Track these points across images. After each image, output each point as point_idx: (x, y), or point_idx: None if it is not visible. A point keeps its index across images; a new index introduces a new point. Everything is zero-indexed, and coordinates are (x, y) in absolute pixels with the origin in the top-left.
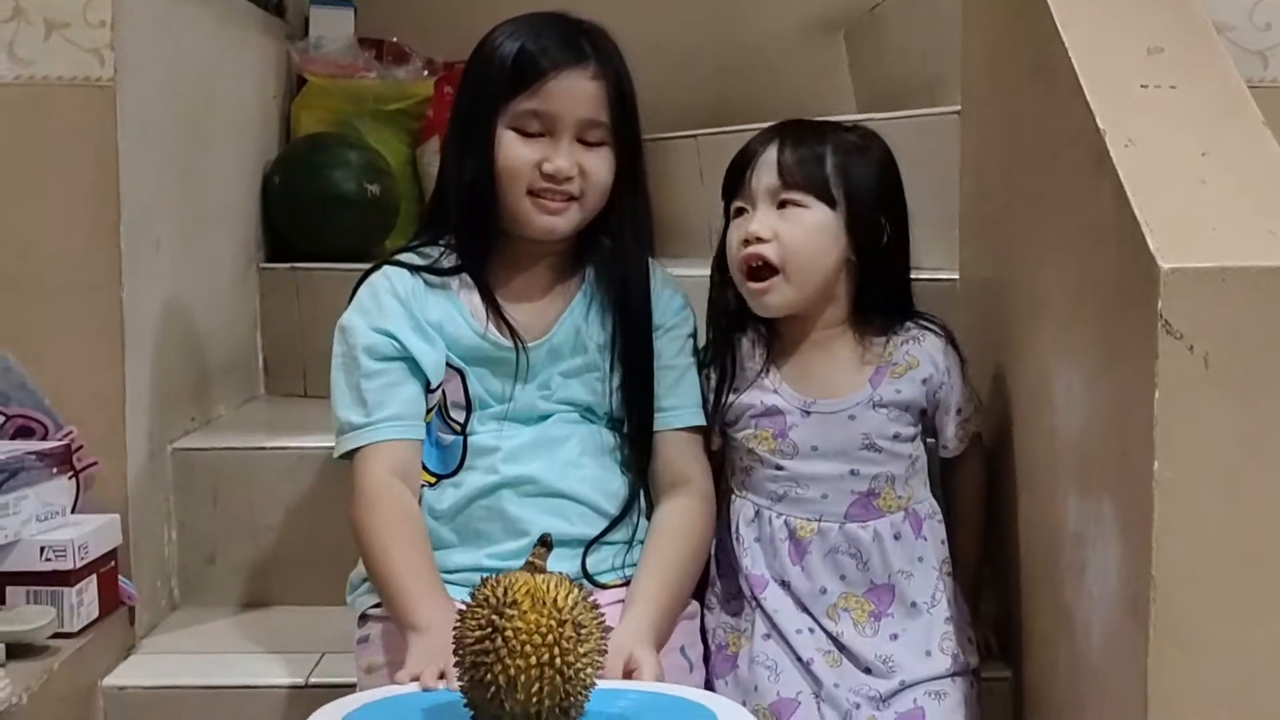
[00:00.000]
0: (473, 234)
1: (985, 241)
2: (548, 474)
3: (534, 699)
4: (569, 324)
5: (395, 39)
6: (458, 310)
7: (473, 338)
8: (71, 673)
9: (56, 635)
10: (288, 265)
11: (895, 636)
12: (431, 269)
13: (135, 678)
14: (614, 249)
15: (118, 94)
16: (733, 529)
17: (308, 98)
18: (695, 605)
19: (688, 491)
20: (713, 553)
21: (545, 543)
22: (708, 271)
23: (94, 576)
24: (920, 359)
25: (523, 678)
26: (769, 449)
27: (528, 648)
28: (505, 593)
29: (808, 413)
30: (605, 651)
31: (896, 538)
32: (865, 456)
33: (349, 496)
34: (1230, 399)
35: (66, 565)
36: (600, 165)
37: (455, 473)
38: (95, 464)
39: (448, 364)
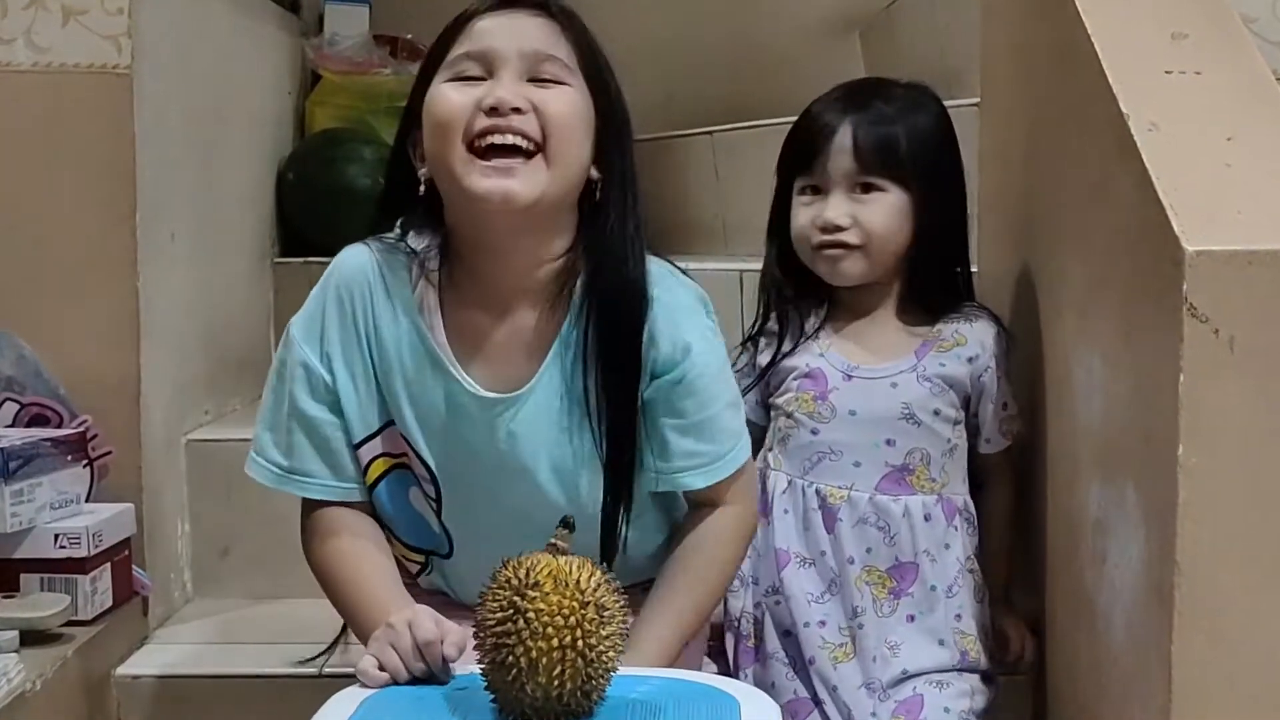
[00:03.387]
0: (425, 229)
1: (1005, 232)
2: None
3: (555, 681)
4: (552, 372)
5: (409, 36)
6: (417, 337)
7: (433, 390)
8: (85, 661)
9: (70, 623)
10: (302, 259)
11: (911, 619)
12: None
13: (149, 667)
14: (601, 268)
15: (134, 82)
16: (768, 503)
17: (322, 94)
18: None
19: (716, 512)
20: None
21: (567, 524)
22: (721, 266)
23: (108, 565)
24: (969, 338)
25: (544, 660)
26: (807, 411)
27: (550, 629)
28: (527, 574)
29: (850, 377)
30: (627, 635)
31: (927, 519)
32: (902, 428)
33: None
34: (1255, 383)
35: (81, 553)
36: (561, 103)
37: (449, 555)
38: (110, 453)
39: (401, 435)
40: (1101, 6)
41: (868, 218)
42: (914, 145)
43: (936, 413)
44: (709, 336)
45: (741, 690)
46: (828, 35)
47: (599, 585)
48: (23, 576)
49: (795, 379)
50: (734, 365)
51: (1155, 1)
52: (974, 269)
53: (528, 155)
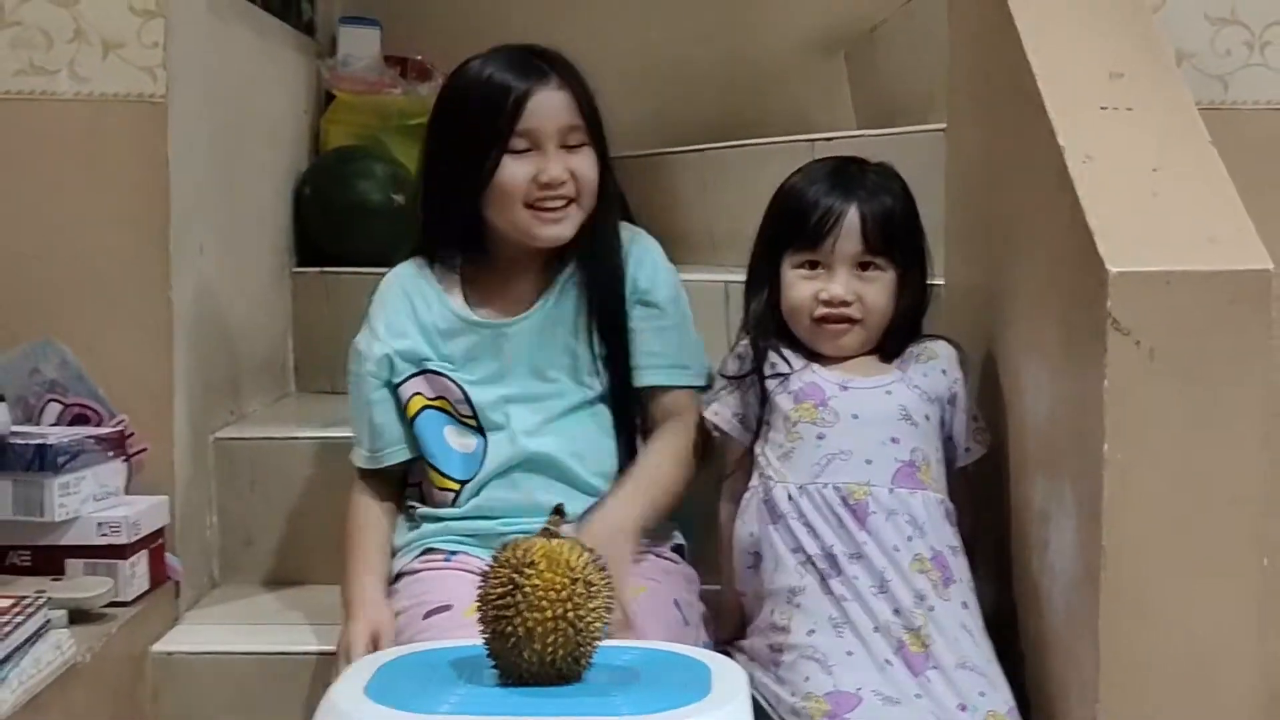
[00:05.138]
0: (470, 244)
1: (968, 250)
2: (556, 452)
3: (549, 648)
4: (553, 299)
5: (419, 56)
6: (438, 298)
7: (453, 319)
8: (126, 638)
9: (112, 604)
10: (318, 269)
11: (965, 605)
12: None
13: (182, 644)
14: (589, 228)
15: (169, 109)
16: (776, 512)
17: (336, 112)
18: (693, 572)
19: (674, 421)
20: (746, 548)
21: (559, 511)
22: (709, 277)
23: (145, 552)
24: (938, 354)
25: (539, 629)
26: (811, 419)
27: (544, 603)
28: (524, 554)
29: (845, 388)
30: (612, 608)
31: (945, 515)
32: (903, 428)
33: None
34: (1173, 388)
35: (121, 540)
36: (586, 164)
37: (475, 477)
38: (145, 450)
39: (436, 372)
40: (1047, 45)
41: (870, 297)
42: (904, 225)
43: (927, 418)
44: (673, 275)
45: (712, 658)
46: (813, 56)
47: (587, 564)
48: (68, 561)
49: (786, 395)
50: (721, 370)
51: (1097, 43)
52: (940, 282)
53: (567, 203)
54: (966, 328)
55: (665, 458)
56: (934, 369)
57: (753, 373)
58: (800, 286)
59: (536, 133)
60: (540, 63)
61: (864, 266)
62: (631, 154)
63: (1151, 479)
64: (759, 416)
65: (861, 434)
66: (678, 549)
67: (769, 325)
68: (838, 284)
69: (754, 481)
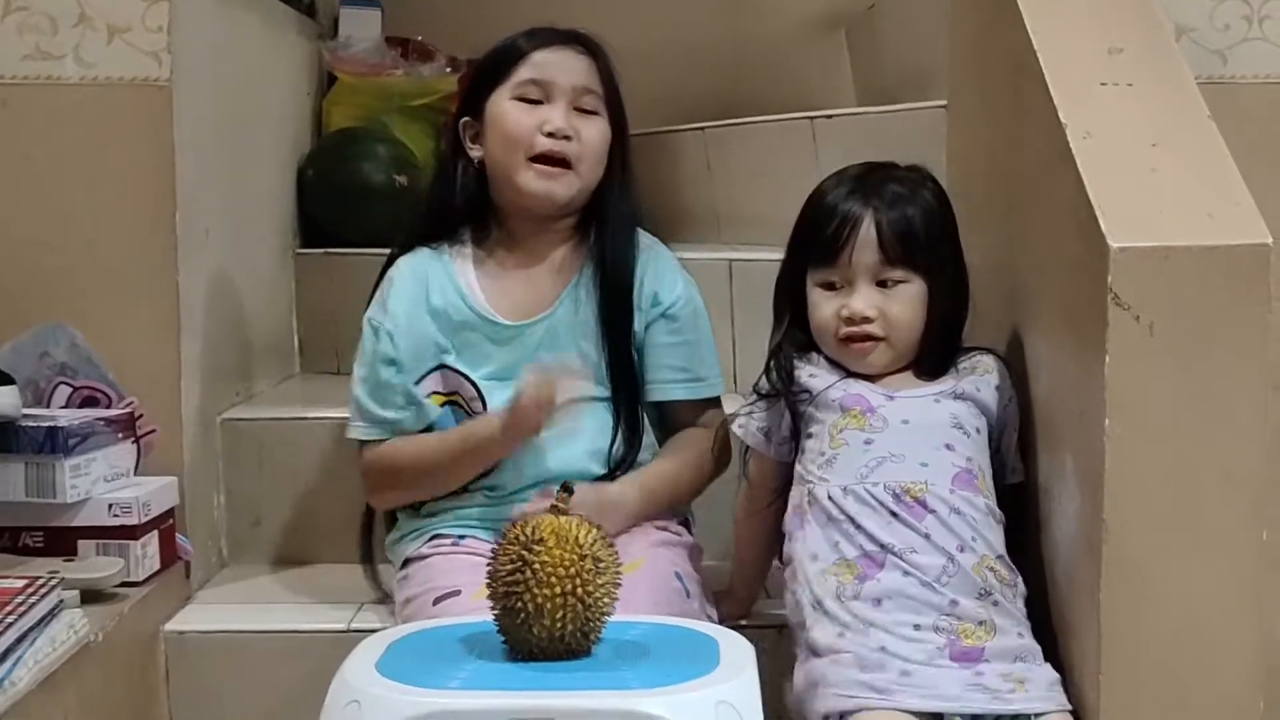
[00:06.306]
0: (474, 217)
1: (969, 227)
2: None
3: (558, 624)
4: (568, 303)
5: (420, 38)
6: (454, 289)
7: (467, 313)
8: (138, 617)
9: (123, 584)
10: (321, 250)
11: (1024, 610)
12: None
13: (193, 623)
14: (605, 228)
15: (174, 94)
16: (820, 509)
17: (338, 94)
18: (690, 539)
19: (692, 430)
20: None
21: (567, 488)
22: (715, 255)
23: (155, 532)
24: (991, 369)
25: (549, 605)
26: (859, 425)
27: (553, 579)
28: (533, 532)
29: (892, 398)
30: (620, 584)
31: (1001, 526)
32: (957, 436)
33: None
34: (1173, 363)
35: (132, 520)
36: (594, 132)
37: (489, 473)
38: (154, 431)
39: (449, 367)
40: (1047, 22)
41: (894, 311)
42: (930, 233)
43: (978, 430)
44: (691, 287)
45: (720, 632)
46: (815, 33)
47: (595, 540)
48: (80, 542)
49: (836, 401)
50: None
51: (1096, 19)
52: None
53: (566, 166)
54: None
55: (677, 460)
56: (987, 383)
57: (777, 395)
58: (823, 306)
59: (549, 84)
60: (568, 33)
61: (885, 280)
62: (635, 132)
63: (1151, 453)
64: (793, 432)
65: (914, 439)
66: (682, 521)
67: (796, 343)
68: (858, 300)
69: (793, 492)
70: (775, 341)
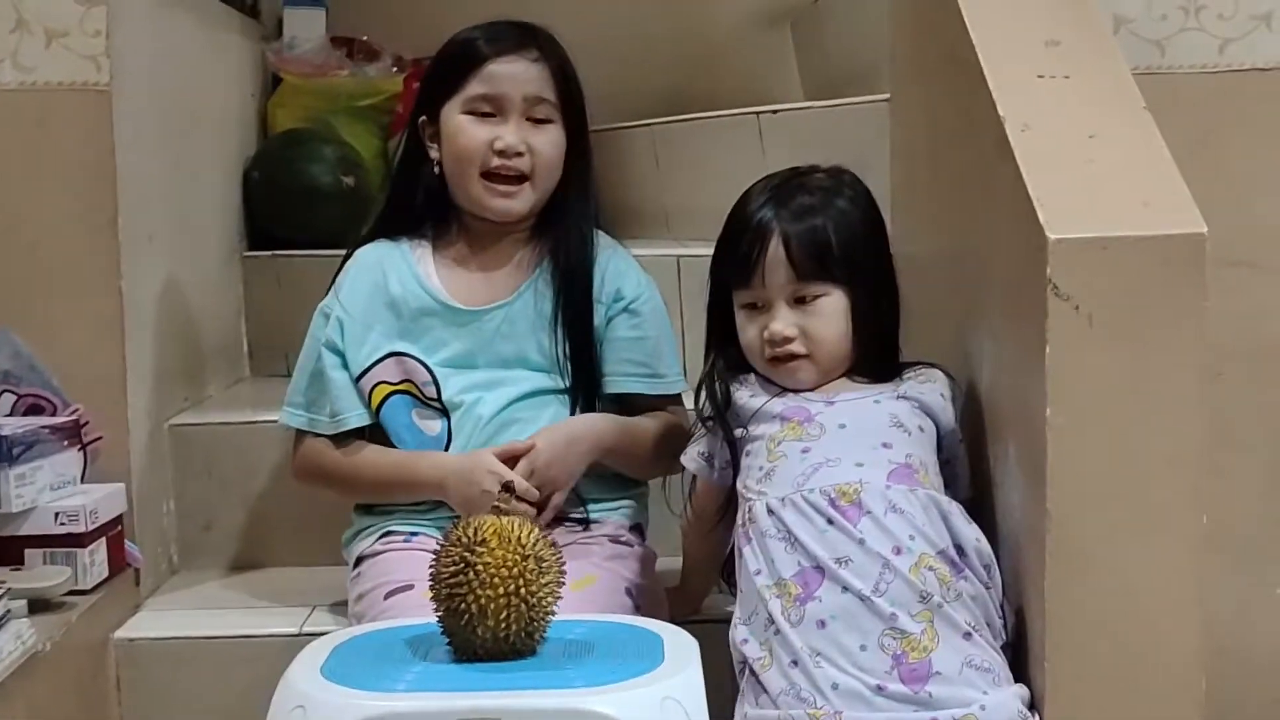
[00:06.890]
0: (435, 215)
1: (913, 219)
2: (518, 436)
3: (503, 624)
4: (528, 294)
5: (365, 37)
6: (413, 276)
7: (426, 299)
8: (87, 625)
9: (71, 592)
10: (269, 253)
11: (975, 599)
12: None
13: (143, 630)
14: (563, 226)
15: (113, 98)
16: (758, 526)
17: (283, 96)
18: (650, 551)
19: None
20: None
21: (508, 488)
22: (663, 251)
23: (103, 539)
24: (937, 379)
25: (492, 606)
26: (797, 435)
27: (496, 580)
28: (475, 532)
29: (831, 403)
30: (564, 583)
31: (958, 513)
32: (895, 434)
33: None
34: (1112, 352)
35: (79, 528)
36: (547, 143)
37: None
38: (100, 438)
39: (404, 353)
40: (985, 15)
41: (814, 327)
42: (844, 242)
43: (921, 429)
44: (653, 287)
45: (664, 629)
46: (761, 28)
47: (537, 541)
48: (27, 551)
49: (773, 415)
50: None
51: (1033, 11)
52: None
53: (521, 181)
54: (913, 296)
55: (648, 422)
56: (932, 390)
57: (711, 419)
58: (748, 329)
59: (501, 99)
60: (523, 33)
61: (803, 296)
62: None
63: (1092, 442)
64: (731, 457)
65: (850, 441)
66: (635, 529)
67: (732, 362)
68: (777, 322)
69: (738, 513)
70: (707, 367)
